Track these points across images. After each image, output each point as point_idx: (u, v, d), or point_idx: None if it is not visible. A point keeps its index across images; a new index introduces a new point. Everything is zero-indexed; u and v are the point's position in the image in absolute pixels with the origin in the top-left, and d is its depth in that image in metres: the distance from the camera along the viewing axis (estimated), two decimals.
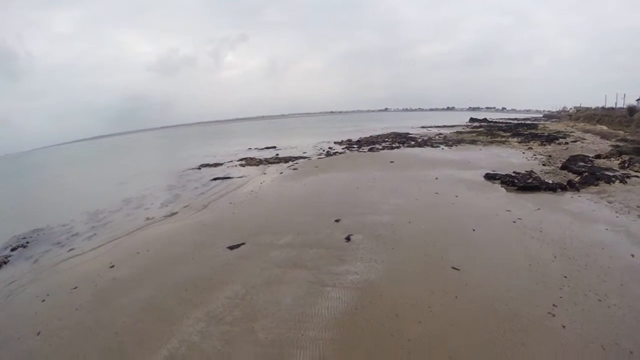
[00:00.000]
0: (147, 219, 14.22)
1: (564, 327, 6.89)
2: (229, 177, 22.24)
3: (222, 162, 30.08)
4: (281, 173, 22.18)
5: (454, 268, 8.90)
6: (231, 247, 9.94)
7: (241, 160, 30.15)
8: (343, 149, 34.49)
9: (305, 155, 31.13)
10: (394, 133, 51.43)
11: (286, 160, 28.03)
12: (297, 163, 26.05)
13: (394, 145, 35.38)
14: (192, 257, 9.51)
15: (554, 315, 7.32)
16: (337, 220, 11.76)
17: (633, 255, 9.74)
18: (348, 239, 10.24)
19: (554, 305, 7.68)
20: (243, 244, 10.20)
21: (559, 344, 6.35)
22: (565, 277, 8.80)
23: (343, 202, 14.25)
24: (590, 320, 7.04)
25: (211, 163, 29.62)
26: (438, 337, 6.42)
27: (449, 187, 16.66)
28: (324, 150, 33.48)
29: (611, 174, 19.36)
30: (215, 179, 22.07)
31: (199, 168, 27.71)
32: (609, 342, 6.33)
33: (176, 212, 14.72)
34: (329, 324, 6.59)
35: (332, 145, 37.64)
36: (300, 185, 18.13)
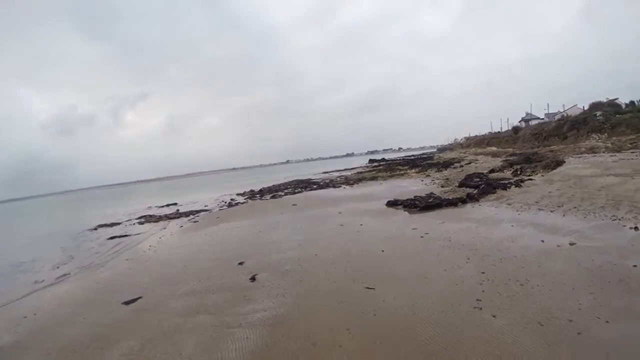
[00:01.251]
0: (36, 282, 17.69)
1: (494, 316, 9.32)
2: (127, 235, 28.65)
3: (120, 221, 38.90)
4: (181, 227, 29.15)
5: (368, 288, 11.71)
6: (126, 302, 12.48)
7: (140, 218, 39.18)
8: (245, 199, 46.54)
9: (206, 208, 41.18)
10: (296, 180, 72.37)
11: (187, 214, 37.20)
12: (198, 216, 34.52)
13: (296, 190, 49.77)
14: (84, 316, 11.74)
15: (480, 309, 9.75)
16: (240, 263, 15.67)
17: (543, 241, 14.47)
18: (253, 278, 13.59)
19: (477, 300, 10.27)
20: (140, 297, 12.86)
21: (494, 332, 8.60)
22: (483, 272, 12.13)
23: (246, 246, 18.96)
24: (518, 304, 9.81)
25: (109, 223, 37.78)
26: (364, 357, 8.01)
27: (353, 219, 23.12)
28: (225, 202, 44.98)
29: (506, 182, 28.45)
30: (112, 237, 28.53)
31: (96, 229, 35.22)
32: (544, 317, 8.96)
33: (68, 274, 18.42)
34: None
35: (234, 197, 51.31)
36: (200, 236, 23.69)
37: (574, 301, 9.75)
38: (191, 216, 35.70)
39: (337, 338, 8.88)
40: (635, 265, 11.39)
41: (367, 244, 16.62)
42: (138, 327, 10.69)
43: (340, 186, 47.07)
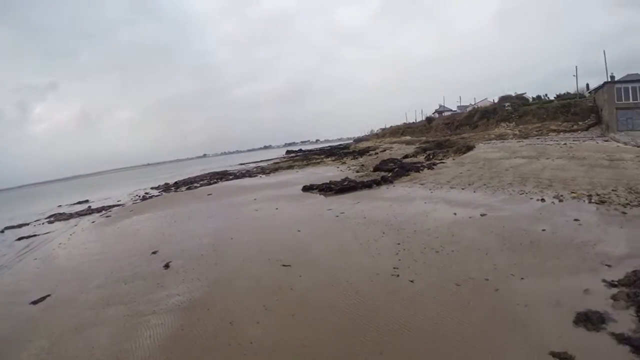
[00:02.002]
0: None
1: (412, 281, 9.97)
2: (36, 235, 28.17)
3: (29, 222, 37.81)
4: (93, 222, 29.12)
5: (284, 265, 12.22)
6: (34, 302, 12.43)
7: (50, 217, 38.85)
8: (160, 192, 47.46)
9: (120, 203, 41.69)
10: (212, 172, 74.07)
11: (99, 210, 37.24)
12: (110, 211, 34.83)
13: (212, 181, 51.38)
14: None
15: (398, 276, 10.35)
16: (154, 253, 15.88)
17: (455, 214, 15.74)
18: (167, 266, 13.87)
19: (394, 268, 10.87)
20: (48, 295, 12.82)
21: (412, 295, 9.26)
22: (398, 244, 12.92)
23: (160, 236, 19.19)
24: (434, 269, 10.60)
25: (16, 224, 36.87)
26: (282, 330, 8.34)
27: (268, 204, 23.97)
28: (139, 197, 45.80)
29: (419, 165, 30.64)
30: (20, 238, 27.93)
31: (2, 231, 34.19)
32: (461, 279, 9.78)
33: None
34: (154, 353, 8.26)
35: (148, 191, 52.57)
36: (113, 230, 23.85)
37: (489, 263, 10.75)
38: (103, 212, 35.86)
39: (255, 315, 9.18)
40: (544, 230, 12.90)
41: (283, 226, 17.24)
42: (48, 325, 10.39)
43: (257, 175, 48.61)
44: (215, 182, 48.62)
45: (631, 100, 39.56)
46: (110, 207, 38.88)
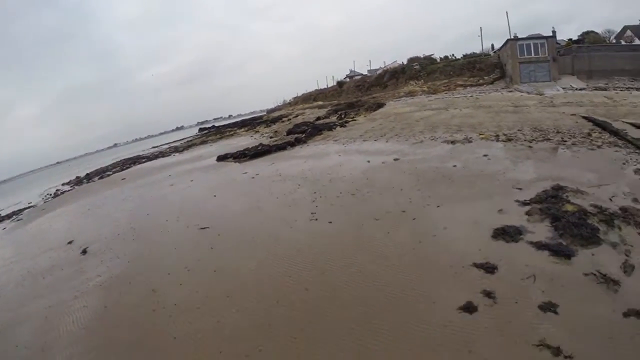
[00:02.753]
0: None
1: (330, 222, 10.73)
2: None
3: None
4: (4, 229, 27.58)
5: (202, 228, 12.56)
6: None
7: None
8: (71, 186, 45.97)
9: (31, 205, 39.49)
10: (124, 159, 72.47)
11: (9, 216, 34.67)
12: (22, 214, 33.17)
13: (125, 167, 50.52)
14: None
15: (316, 220, 11.05)
16: (69, 242, 15.77)
17: (369, 161, 16.67)
18: (84, 252, 13.94)
19: (312, 213, 11.54)
20: None
21: (333, 233, 10.08)
22: (315, 192, 13.63)
23: (75, 226, 18.87)
24: (352, 209, 11.45)
25: None
26: (206, 286, 8.72)
27: (183, 177, 24.05)
28: (50, 194, 44.23)
29: (332, 124, 31.46)
30: None
31: None
32: (379, 214, 10.69)
33: None
34: (79, 336, 8.29)
35: (59, 187, 50.14)
36: (26, 231, 23.01)
37: (405, 198, 11.67)
38: (14, 216, 33.98)
39: (177, 278, 9.51)
40: (455, 165, 14.18)
41: (199, 195, 17.53)
42: None
43: (170, 155, 48.21)
44: (129, 167, 48.07)
45: (533, 55, 43.68)
46: (21, 210, 36.63)
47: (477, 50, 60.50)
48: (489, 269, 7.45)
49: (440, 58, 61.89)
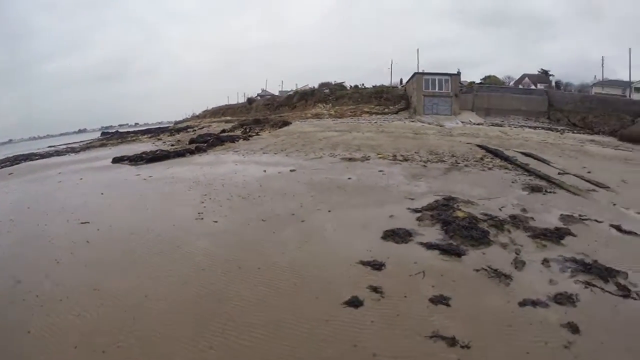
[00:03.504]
0: None
1: (215, 221, 10.63)
2: None
3: None
4: None
5: (82, 223, 11.83)
6: None
7: None
8: None
9: None
10: (16, 155, 63.98)
11: None
12: None
13: (15, 163, 45.32)
14: None
15: (202, 219, 10.88)
16: None
17: (265, 171, 16.73)
18: None
19: (199, 213, 11.32)
20: None
21: (216, 231, 9.98)
22: (205, 195, 13.39)
23: None
24: (240, 211, 11.48)
25: None
26: (72, 279, 8.13)
27: (73, 175, 22.25)
28: None
29: (235, 137, 31.43)
30: None
31: None
32: (267, 216, 10.68)
33: None
34: None
35: None
36: None
37: (296, 203, 11.80)
38: None
39: (46, 270, 8.85)
40: (349, 178, 14.66)
41: (86, 192, 16.60)
42: None
43: (66, 154, 45.20)
44: (19, 163, 44.13)
45: (437, 90, 47.05)
46: None
47: (387, 84, 63.35)
48: (377, 266, 7.58)
49: (351, 86, 64.00)
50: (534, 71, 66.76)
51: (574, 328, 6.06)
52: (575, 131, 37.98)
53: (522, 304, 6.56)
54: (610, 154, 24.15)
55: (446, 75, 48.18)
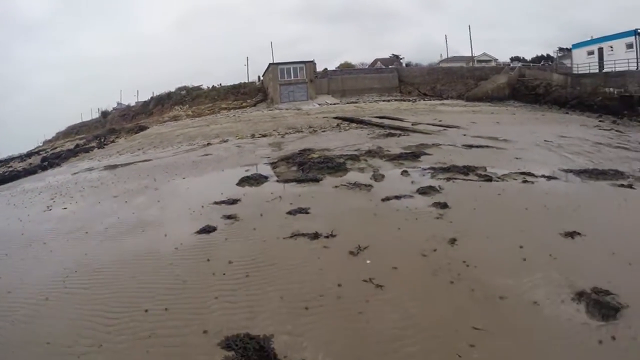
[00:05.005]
0: None
1: (65, 208, 10.81)
2: None
3: None
4: None
5: None
6: None
7: None
8: None
9: None
10: None
11: None
12: None
13: None
14: None
15: (51, 209, 11.00)
16: None
17: (119, 165, 16.96)
18: None
19: (48, 207, 11.36)
20: None
21: (67, 212, 10.34)
22: (56, 193, 13.33)
23: None
24: (91, 194, 11.93)
25: None
26: None
27: None
28: None
29: (88, 147, 30.78)
30: None
31: None
32: (120, 192, 11.17)
33: None
34: None
35: None
36: None
37: (149, 179, 12.43)
38: None
39: None
40: (206, 155, 15.95)
41: None
42: None
43: None
44: None
45: (293, 78, 48.62)
46: None
47: (246, 82, 64.28)
48: (231, 202, 8.54)
49: (209, 87, 63.89)
50: (386, 57, 71.86)
51: (442, 205, 7.66)
52: (426, 99, 42.10)
53: (385, 199, 8.01)
54: (460, 110, 28.93)
55: (300, 63, 49.82)
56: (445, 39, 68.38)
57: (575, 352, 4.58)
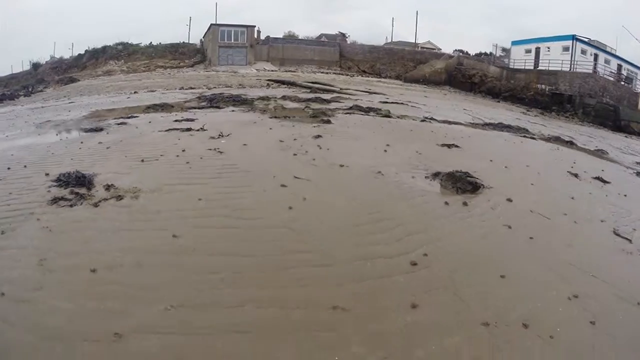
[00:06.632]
0: None
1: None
2: None
3: None
4: None
5: None
6: None
7: None
8: None
9: None
10: None
11: None
12: None
13: None
14: None
15: None
16: None
17: (39, 107, 17.21)
18: None
19: None
20: None
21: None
22: None
23: None
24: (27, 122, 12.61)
25: None
26: None
27: None
28: None
29: (16, 96, 30.90)
30: None
31: None
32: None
33: None
34: None
35: None
36: None
37: (64, 116, 13.01)
38: None
39: None
40: (128, 97, 17.46)
41: None
42: None
43: None
44: None
45: (233, 41, 48.96)
46: None
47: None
48: (130, 117, 10.14)
49: (146, 45, 62.83)
50: (332, 33, 72.91)
51: (326, 121, 10.26)
52: (364, 76, 43.84)
53: (273, 117, 10.32)
54: (394, 87, 32.42)
55: (242, 27, 50.03)
56: (392, 22, 70.44)
57: (416, 212, 6.01)
